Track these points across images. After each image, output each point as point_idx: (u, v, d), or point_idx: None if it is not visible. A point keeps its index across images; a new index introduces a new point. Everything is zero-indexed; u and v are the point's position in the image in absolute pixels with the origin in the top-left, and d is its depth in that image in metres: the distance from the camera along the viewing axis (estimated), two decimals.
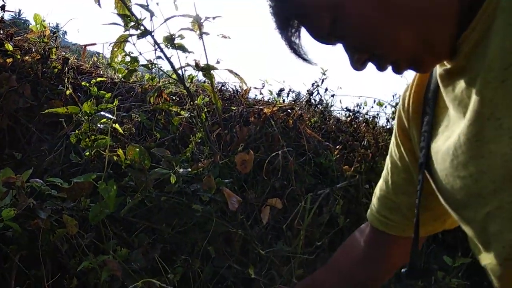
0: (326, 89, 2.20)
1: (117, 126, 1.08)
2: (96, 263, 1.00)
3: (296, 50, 0.61)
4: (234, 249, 1.37)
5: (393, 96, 2.68)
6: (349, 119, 2.52)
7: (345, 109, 2.57)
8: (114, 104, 1.05)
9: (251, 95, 2.08)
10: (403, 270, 0.71)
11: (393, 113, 2.56)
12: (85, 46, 1.63)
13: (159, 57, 1.23)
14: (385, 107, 2.60)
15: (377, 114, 2.59)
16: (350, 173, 1.94)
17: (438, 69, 0.62)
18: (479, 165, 0.52)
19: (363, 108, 2.69)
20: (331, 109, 2.58)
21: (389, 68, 0.60)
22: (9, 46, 1.49)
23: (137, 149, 1.07)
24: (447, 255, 1.72)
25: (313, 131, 2.15)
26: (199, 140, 1.32)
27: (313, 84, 2.31)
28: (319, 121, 2.30)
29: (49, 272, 1.03)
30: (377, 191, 0.84)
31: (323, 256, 1.57)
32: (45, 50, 1.55)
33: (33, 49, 1.55)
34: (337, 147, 2.06)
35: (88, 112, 1.01)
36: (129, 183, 1.17)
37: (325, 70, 2.34)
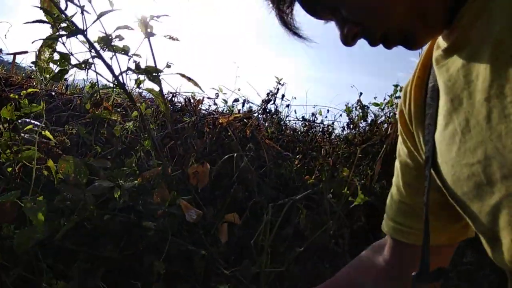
0: (283, 96, 2.13)
1: (47, 133, 0.92)
2: None
3: (288, 25, 0.60)
4: (194, 270, 1.22)
5: (345, 105, 2.66)
6: (305, 128, 2.47)
7: (301, 119, 2.53)
8: (40, 107, 0.89)
9: (205, 105, 1.96)
10: (413, 273, 0.62)
11: (350, 121, 2.54)
12: (15, 54, 1.45)
13: (94, 57, 1.08)
14: (340, 115, 2.57)
15: (332, 123, 2.56)
16: (312, 181, 1.86)
17: (434, 54, 0.59)
18: (488, 149, 0.47)
19: (317, 118, 2.67)
20: (287, 119, 2.53)
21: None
22: None
23: (71, 161, 0.91)
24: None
25: (271, 141, 2.06)
26: (147, 149, 1.17)
27: (268, 94, 2.23)
28: (276, 132, 2.23)
29: None
30: (389, 199, 0.77)
31: (292, 270, 1.45)
32: None
33: None
34: (297, 156, 1.98)
35: (8, 118, 0.85)
36: (65, 203, 0.99)
37: (280, 79, 2.28)
